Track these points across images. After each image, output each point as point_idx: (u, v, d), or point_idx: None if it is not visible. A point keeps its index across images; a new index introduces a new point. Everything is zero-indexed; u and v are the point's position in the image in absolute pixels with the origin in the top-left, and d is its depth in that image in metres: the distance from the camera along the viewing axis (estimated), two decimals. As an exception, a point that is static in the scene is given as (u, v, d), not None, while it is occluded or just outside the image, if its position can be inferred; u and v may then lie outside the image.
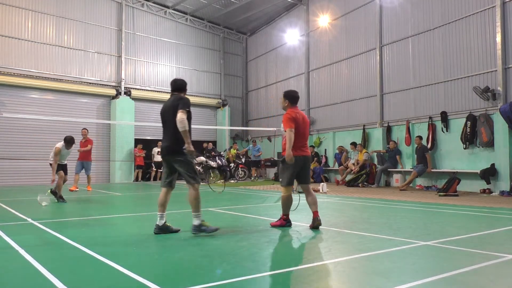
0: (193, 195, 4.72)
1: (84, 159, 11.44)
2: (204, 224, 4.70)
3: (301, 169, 5.19)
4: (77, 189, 11.09)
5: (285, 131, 5.14)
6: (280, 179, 5.31)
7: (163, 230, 4.77)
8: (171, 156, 4.89)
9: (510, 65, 10.35)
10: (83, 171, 11.48)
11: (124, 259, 3.59)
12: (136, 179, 16.98)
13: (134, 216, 6.73)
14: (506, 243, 4.26)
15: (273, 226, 5.24)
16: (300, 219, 5.81)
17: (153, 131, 18.34)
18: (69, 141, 8.98)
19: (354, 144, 14.37)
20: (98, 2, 16.94)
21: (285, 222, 5.25)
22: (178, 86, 5.22)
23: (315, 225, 5.06)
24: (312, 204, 5.19)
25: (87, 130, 11.94)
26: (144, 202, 9.52)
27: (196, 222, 4.68)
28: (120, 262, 3.42)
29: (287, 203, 5.25)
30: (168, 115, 4.95)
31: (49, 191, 8.94)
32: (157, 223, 4.79)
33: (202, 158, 16.04)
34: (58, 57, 15.88)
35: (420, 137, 11.91)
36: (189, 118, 4.99)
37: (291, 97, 5.35)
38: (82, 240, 4.41)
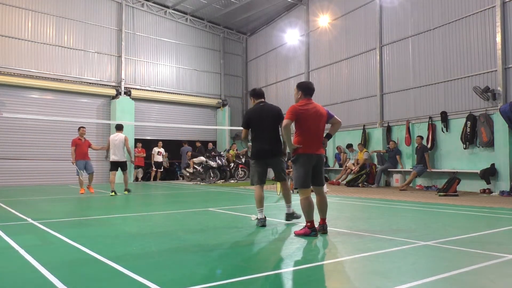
0: (288, 189, 5.65)
1: (86, 158, 11.03)
2: (295, 212, 5.67)
3: (314, 169, 4.72)
4: (85, 191, 11.04)
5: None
6: (294, 182, 4.80)
7: (262, 222, 5.38)
8: (275, 158, 5.55)
9: (510, 65, 10.35)
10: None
11: (124, 259, 3.59)
12: (136, 179, 16.98)
13: (134, 216, 6.73)
14: (506, 243, 4.25)
15: (297, 234, 4.63)
16: (300, 219, 5.80)
17: (153, 131, 18.35)
18: (120, 127, 10.93)
19: (351, 145, 14.39)
20: (98, 2, 16.94)
21: (309, 231, 4.57)
22: (263, 93, 5.85)
23: (321, 233, 4.70)
24: (321, 209, 4.78)
25: (85, 128, 11.46)
26: (144, 202, 9.52)
27: (289, 211, 5.64)
28: (120, 262, 3.42)
29: (307, 208, 4.63)
30: (269, 121, 5.48)
31: (125, 192, 10.64)
32: (259, 217, 5.42)
33: (202, 158, 16.06)
34: (58, 57, 15.89)
35: (421, 137, 11.91)
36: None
37: (305, 88, 4.86)
38: (82, 240, 4.41)
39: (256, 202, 5.50)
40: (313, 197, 4.79)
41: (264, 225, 5.32)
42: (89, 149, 11.19)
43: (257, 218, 5.47)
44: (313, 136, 4.72)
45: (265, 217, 5.43)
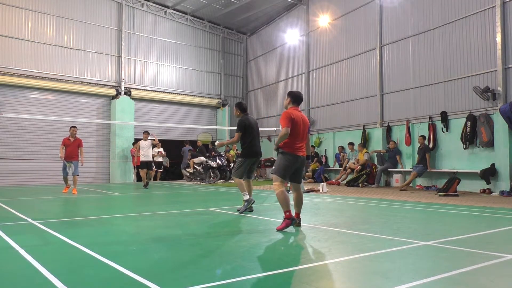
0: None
1: (71, 159, 10.52)
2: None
3: (296, 169, 5.18)
4: (70, 186, 10.85)
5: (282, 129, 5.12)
6: (275, 171, 5.11)
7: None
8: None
9: (510, 65, 10.35)
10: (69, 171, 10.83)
11: (124, 259, 3.59)
12: (138, 179, 16.96)
13: (134, 216, 6.73)
14: (506, 243, 4.25)
15: (279, 230, 4.91)
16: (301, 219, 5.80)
17: (153, 131, 18.27)
18: (144, 132, 12.87)
19: (352, 144, 14.39)
20: (98, 2, 16.95)
21: (290, 222, 4.94)
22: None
23: (295, 226, 5.11)
24: (298, 205, 5.24)
25: (77, 128, 10.86)
26: (144, 202, 9.52)
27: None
28: (120, 262, 3.42)
29: (284, 198, 5.01)
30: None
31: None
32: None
33: (202, 158, 16.06)
34: (58, 57, 15.89)
35: (424, 137, 11.91)
36: None
37: (294, 97, 5.32)
38: (82, 240, 4.41)
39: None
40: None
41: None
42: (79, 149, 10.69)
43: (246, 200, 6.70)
44: (300, 140, 5.15)
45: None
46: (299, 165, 5.16)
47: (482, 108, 10.88)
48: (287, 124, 5.00)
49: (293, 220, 4.97)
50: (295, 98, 5.32)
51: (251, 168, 6.84)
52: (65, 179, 10.86)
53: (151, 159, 13.35)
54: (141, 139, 14.41)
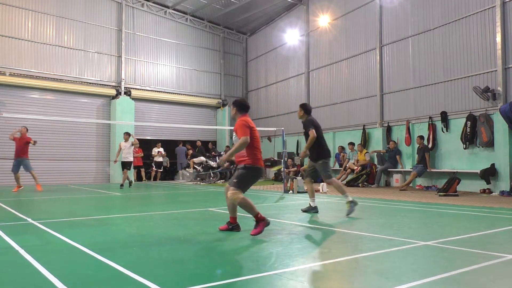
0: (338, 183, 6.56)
1: (20, 156, 11.54)
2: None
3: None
4: (22, 187, 11.70)
5: (239, 138, 4.73)
6: (236, 183, 4.74)
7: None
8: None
9: (510, 65, 10.35)
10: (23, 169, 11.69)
11: (124, 259, 3.59)
12: (138, 179, 16.97)
13: (134, 216, 6.72)
14: (506, 243, 4.26)
15: (254, 234, 4.62)
16: (300, 218, 5.81)
17: (153, 131, 18.34)
18: (125, 133, 13.05)
19: (352, 144, 14.37)
20: (98, 2, 16.94)
21: (265, 222, 4.71)
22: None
23: (231, 228, 4.97)
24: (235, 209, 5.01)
25: (26, 129, 11.91)
26: (144, 202, 9.52)
27: (348, 199, 6.52)
28: (120, 262, 3.42)
29: (248, 204, 4.70)
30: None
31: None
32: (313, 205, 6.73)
33: (202, 158, 16.07)
34: (58, 57, 15.88)
35: (422, 137, 11.91)
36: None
37: (240, 106, 5.03)
38: (82, 240, 4.41)
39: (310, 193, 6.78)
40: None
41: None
42: (28, 147, 11.70)
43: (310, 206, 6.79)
44: (260, 150, 4.95)
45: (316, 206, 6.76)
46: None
47: (482, 108, 10.88)
48: (247, 132, 4.66)
49: (267, 221, 4.69)
50: (242, 107, 5.02)
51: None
52: (16, 177, 11.57)
53: (131, 160, 13.32)
54: (140, 139, 14.57)
